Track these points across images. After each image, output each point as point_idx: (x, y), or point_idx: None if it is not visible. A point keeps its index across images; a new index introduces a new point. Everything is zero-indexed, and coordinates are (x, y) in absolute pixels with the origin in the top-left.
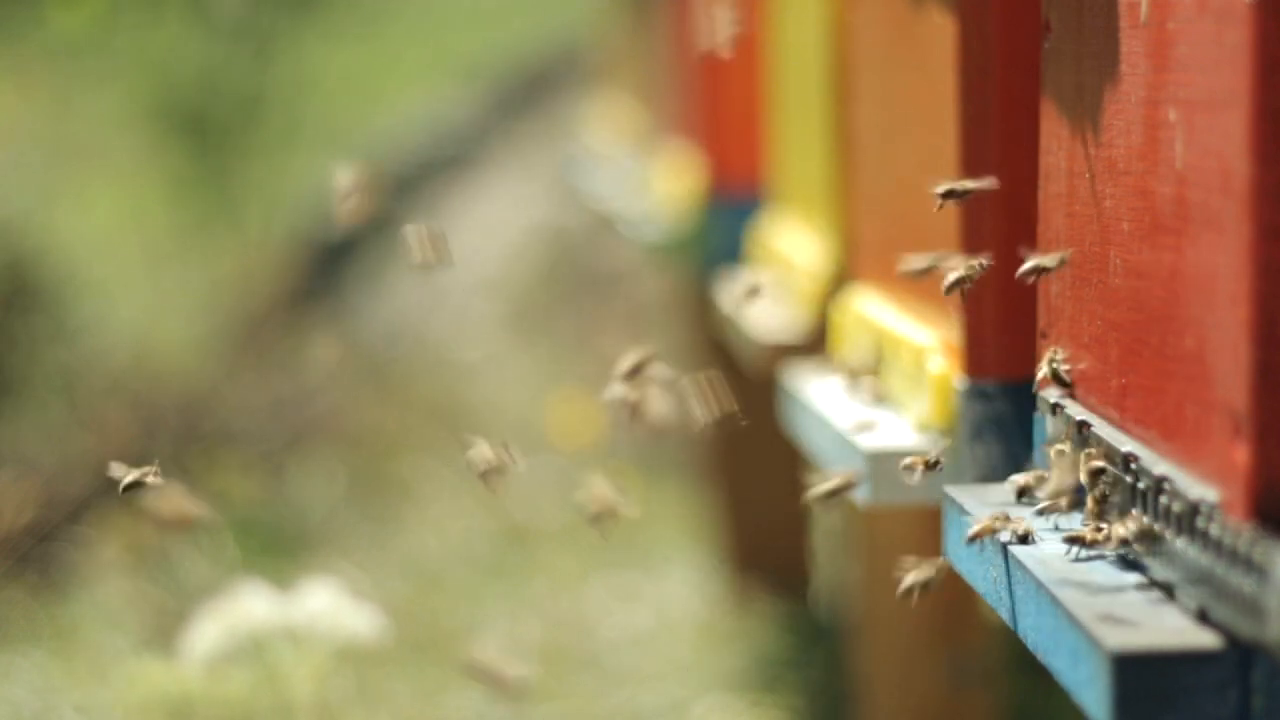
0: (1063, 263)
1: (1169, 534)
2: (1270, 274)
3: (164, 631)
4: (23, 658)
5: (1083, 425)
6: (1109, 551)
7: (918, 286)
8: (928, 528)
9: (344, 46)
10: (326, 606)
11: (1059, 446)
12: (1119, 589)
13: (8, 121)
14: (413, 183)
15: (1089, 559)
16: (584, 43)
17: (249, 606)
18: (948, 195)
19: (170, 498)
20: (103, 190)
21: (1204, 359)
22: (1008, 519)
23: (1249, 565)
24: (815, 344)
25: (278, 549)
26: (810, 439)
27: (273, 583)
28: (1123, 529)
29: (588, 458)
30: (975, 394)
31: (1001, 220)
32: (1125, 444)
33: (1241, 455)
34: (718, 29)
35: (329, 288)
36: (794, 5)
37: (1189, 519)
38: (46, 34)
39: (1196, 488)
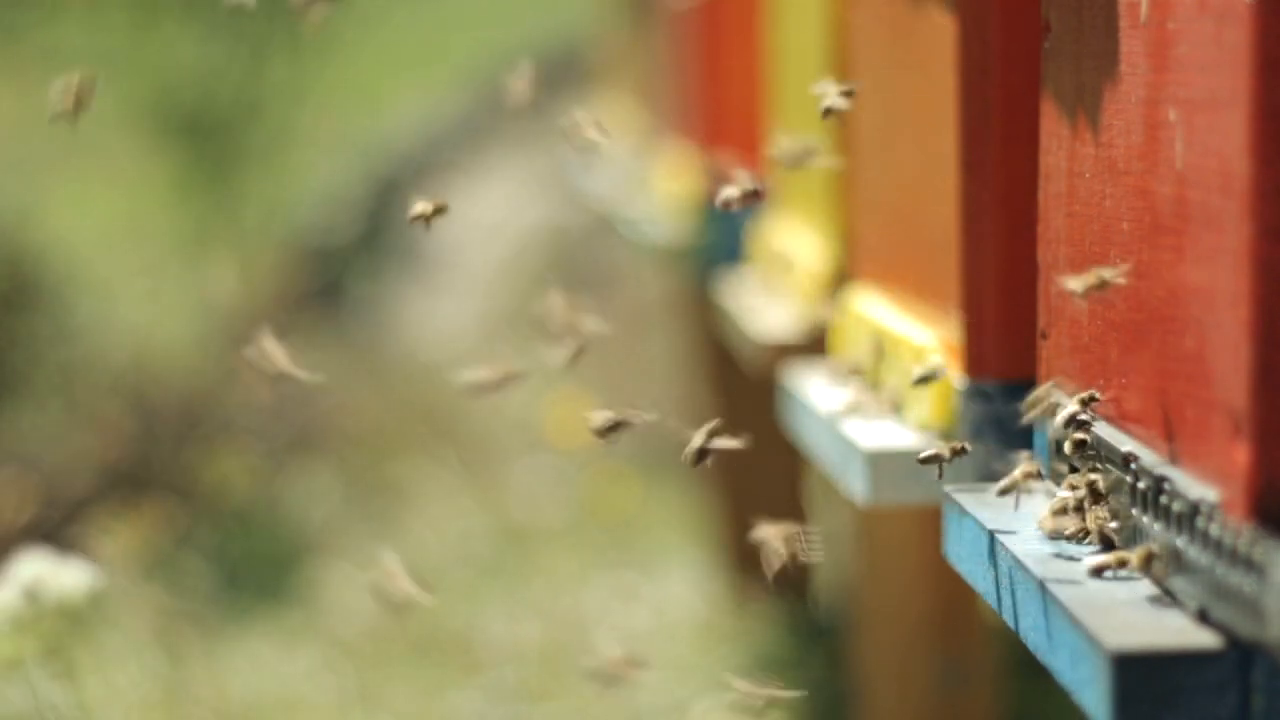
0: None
1: (1183, 546)
2: (1270, 274)
3: (171, 632)
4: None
5: (1083, 425)
6: (1130, 571)
7: (918, 286)
8: (928, 528)
9: (341, 47)
10: (36, 572)
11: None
12: (1119, 589)
13: (8, 121)
14: (412, 183)
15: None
16: (584, 43)
17: None
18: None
19: None
20: (102, 191)
21: (1204, 359)
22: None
23: (1249, 565)
24: (815, 344)
25: (277, 549)
26: (810, 439)
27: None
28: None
29: (586, 458)
30: (975, 394)
31: (1001, 220)
32: (1125, 444)
33: (1241, 455)
34: None
35: (329, 288)
36: (794, 5)
37: (1189, 519)
38: (46, 34)
39: (1196, 488)
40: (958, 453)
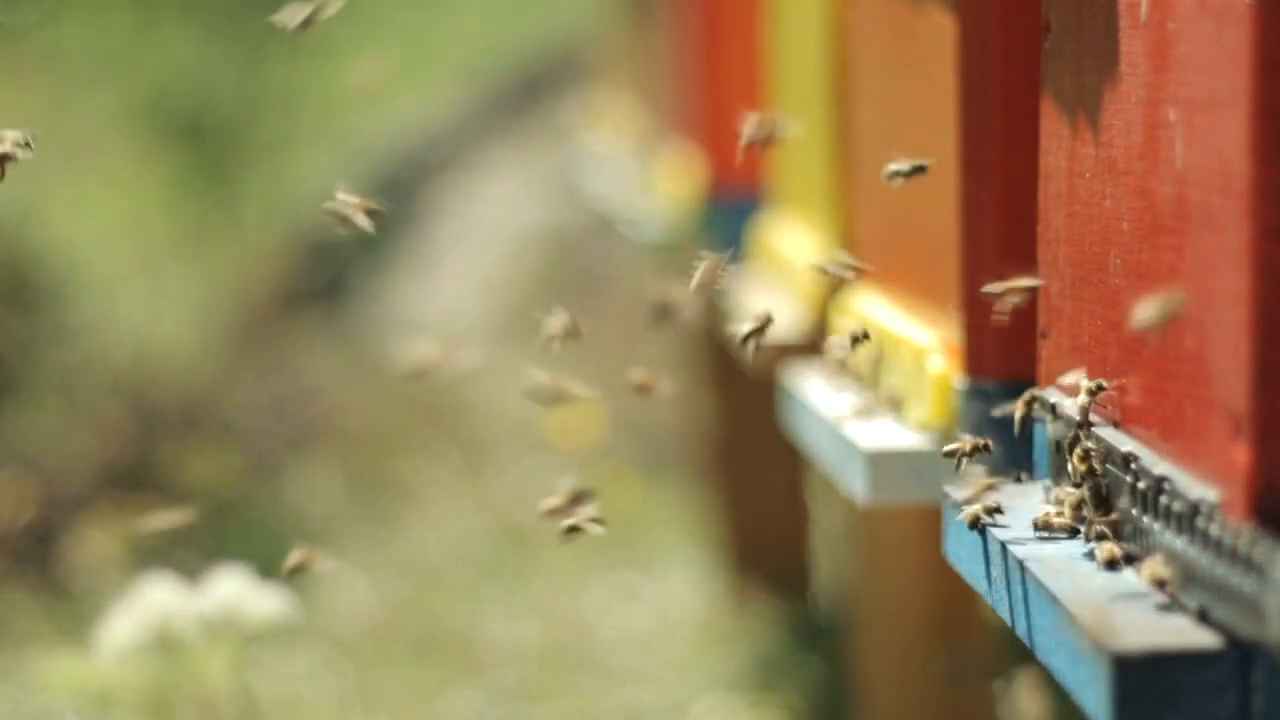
0: None
1: (1183, 546)
2: (1270, 274)
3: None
4: (23, 657)
5: (1086, 425)
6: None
7: (918, 286)
8: (927, 527)
9: (340, 46)
10: (234, 593)
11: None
12: (1119, 589)
13: (7, 121)
14: (412, 183)
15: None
16: (584, 43)
17: (158, 597)
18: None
19: None
20: (101, 191)
21: (1204, 359)
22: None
23: (1249, 565)
24: (815, 344)
25: (277, 549)
26: (810, 439)
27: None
28: (1156, 569)
29: (587, 458)
30: (975, 394)
31: (1001, 220)
32: (1125, 444)
33: (1241, 455)
34: None
35: (328, 288)
36: (794, 5)
37: (1189, 519)
38: (46, 34)
39: (1196, 488)
40: (980, 449)
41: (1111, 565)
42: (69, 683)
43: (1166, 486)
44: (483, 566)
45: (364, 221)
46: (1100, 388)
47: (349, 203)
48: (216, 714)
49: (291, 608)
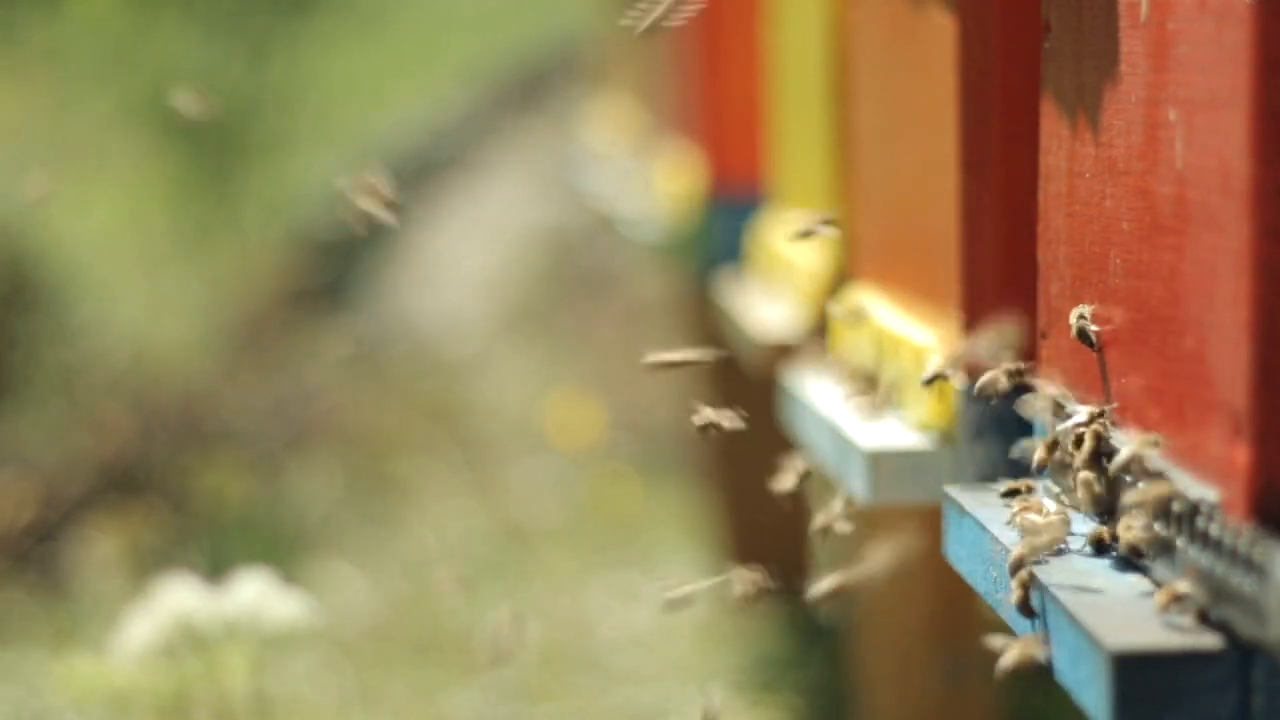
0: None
1: (1177, 538)
2: (1270, 274)
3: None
4: (23, 658)
5: (1100, 437)
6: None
7: (918, 286)
8: (928, 528)
9: (341, 46)
10: (256, 596)
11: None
12: (1119, 589)
13: (7, 121)
14: (412, 183)
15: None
16: (584, 43)
17: (179, 599)
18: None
19: None
20: (102, 191)
21: (1204, 359)
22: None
23: (1249, 565)
24: (815, 344)
25: (277, 549)
26: (810, 439)
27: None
28: (1131, 534)
29: (588, 457)
30: (975, 394)
31: (1001, 220)
32: (1125, 444)
33: (1241, 455)
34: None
35: (329, 288)
36: (794, 5)
37: (1189, 519)
38: (46, 34)
39: (1196, 488)
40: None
41: (1099, 548)
42: (82, 685)
43: None
44: (483, 566)
45: (385, 215)
46: (1083, 316)
47: (368, 189)
48: (232, 717)
49: (311, 611)
